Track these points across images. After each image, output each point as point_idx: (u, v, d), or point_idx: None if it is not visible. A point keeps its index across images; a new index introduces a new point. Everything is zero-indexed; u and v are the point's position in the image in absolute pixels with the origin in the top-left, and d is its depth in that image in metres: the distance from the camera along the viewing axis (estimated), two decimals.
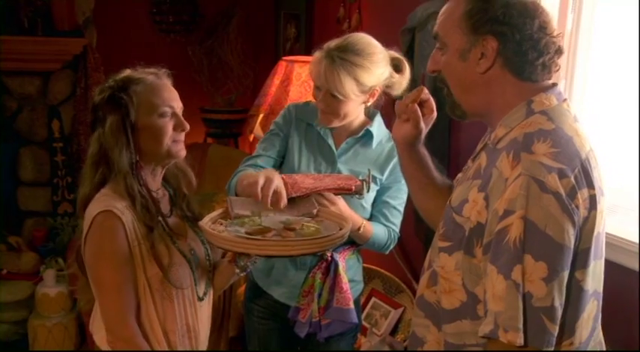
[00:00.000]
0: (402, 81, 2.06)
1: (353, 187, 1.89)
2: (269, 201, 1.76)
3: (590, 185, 1.31)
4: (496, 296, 1.27)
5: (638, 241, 2.03)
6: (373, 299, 3.10)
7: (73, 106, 4.06)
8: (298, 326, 2.08)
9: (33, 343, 3.65)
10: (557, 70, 1.42)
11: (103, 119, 1.67)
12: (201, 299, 1.77)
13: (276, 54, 4.34)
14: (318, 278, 2.04)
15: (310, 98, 2.20)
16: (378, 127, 2.13)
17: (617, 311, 1.84)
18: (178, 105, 1.72)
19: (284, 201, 1.79)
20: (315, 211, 1.84)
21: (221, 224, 1.75)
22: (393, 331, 3.02)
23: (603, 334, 1.50)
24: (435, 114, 1.65)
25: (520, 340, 1.25)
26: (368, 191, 1.92)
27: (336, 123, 2.07)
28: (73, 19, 3.95)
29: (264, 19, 4.41)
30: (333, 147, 2.12)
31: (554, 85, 1.43)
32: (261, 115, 3.29)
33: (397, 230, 2.17)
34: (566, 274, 1.27)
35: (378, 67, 1.99)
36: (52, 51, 3.92)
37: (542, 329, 1.26)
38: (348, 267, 2.12)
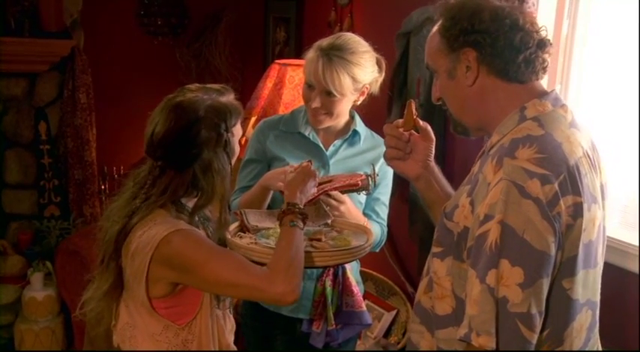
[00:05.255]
0: (380, 79, 2.12)
1: (359, 182, 1.89)
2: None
3: (577, 192, 1.30)
4: (471, 299, 1.29)
5: (638, 244, 2.06)
6: (366, 301, 3.09)
7: (59, 108, 4.01)
8: (314, 338, 2.06)
9: (19, 347, 3.61)
10: (546, 67, 1.42)
11: (199, 159, 1.62)
12: (230, 312, 1.80)
13: (264, 57, 4.33)
14: (328, 285, 2.04)
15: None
16: (360, 125, 2.18)
17: (617, 314, 1.87)
18: None
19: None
20: (329, 221, 1.86)
21: (241, 237, 1.76)
22: (387, 333, 3.03)
23: (602, 337, 1.51)
24: (434, 139, 1.67)
25: (492, 344, 1.25)
26: (375, 185, 1.93)
27: (327, 123, 2.09)
28: (61, 21, 3.90)
29: (253, 22, 4.40)
30: (324, 149, 2.13)
31: (552, 91, 1.44)
32: (253, 118, 3.27)
33: (385, 225, 2.20)
34: (545, 281, 1.27)
35: (370, 65, 2.05)
36: (39, 52, 3.85)
37: (518, 335, 1.26)
38: (351, 269, 2.13)
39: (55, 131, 4.04)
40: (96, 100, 4.02)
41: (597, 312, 1.45)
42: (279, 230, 1.70)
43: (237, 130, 1.70)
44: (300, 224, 1.65)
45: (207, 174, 1.63)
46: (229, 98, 1.70)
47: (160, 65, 4.23)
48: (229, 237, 1.73)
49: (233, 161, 1.69)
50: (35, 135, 4.00)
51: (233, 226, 1.81)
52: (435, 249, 1.47)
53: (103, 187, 4.17)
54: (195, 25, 4.37)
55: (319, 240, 1.71)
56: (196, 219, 1.70)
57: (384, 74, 2.12)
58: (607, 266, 1.48)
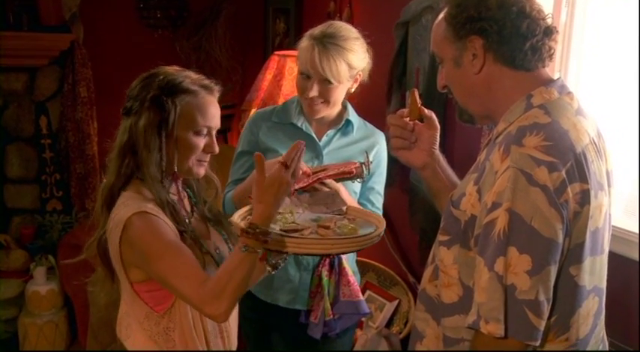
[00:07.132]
0: (368, 67, 2.13)
1: (354, 170, 1.88)
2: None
3: (584, 179, 1.31)
4: (480, 287, 1.30)
5: (638, 231, 2.06)
6: (368, 292, 3.12)
7: (60, 102, 4.01)
8: (312, 329, 2.06)
9: (23, 341, 3.63)
10: (552, 54, 1.43)
11: (138, 112, 1.63)
12: None
13: (264, 49, 4.33)
14: (325, 276, 2.04)
15: None
16: (353, 114, 2.18)
17: (618, 303, 1.87)
18: (216, 125, 1.69)
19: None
20: (344, 208, 1.86)
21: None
22: (389, 323, 3.04)
23: (606, 325, 1.51)
24: (438, 127, 1.67)
25: (500, 331, 1.26)
26: (368, 173, 1.93)
27: (324, 112, 2.10)
28: (60, 15, 3.89)
29: (253, 14, 4.39)
30: (317, 140, 2.14)
31: (558, 78, 1.45)
32: (253, 110, 3.27)
33: (381, 214, 2.18)
34: (552, 269, 1.28)
35: (363, 51, 2.07)
36: (38, 46, 3.86)
37: (526, 322, 1.27)
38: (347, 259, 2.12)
39: (56, 125, 4.05)
40: (96, 94, 4.02)
41: (603, 299, 1.45)
42: (287, 216, 1.70)
43: (189, 113, 1.63)
44: (254, 250, 1.53)
45: (136, 130, 1.62)
46: (198, 78, 1.68)
47: (160, 58, 4.11)
48: (238, 220, 1.69)
49: (172, 142, 1.63)
50: (36, 129, 4.01)
51: (245, 209, 1.79)
52: (441, 237, 1.47)
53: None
54: (195, 18, 4.36)
55: (327, 227, 1.69)
56: (164, 201, 1.64)
57: (371, 63, 2.12)
58: (610, 254, 1.48)
